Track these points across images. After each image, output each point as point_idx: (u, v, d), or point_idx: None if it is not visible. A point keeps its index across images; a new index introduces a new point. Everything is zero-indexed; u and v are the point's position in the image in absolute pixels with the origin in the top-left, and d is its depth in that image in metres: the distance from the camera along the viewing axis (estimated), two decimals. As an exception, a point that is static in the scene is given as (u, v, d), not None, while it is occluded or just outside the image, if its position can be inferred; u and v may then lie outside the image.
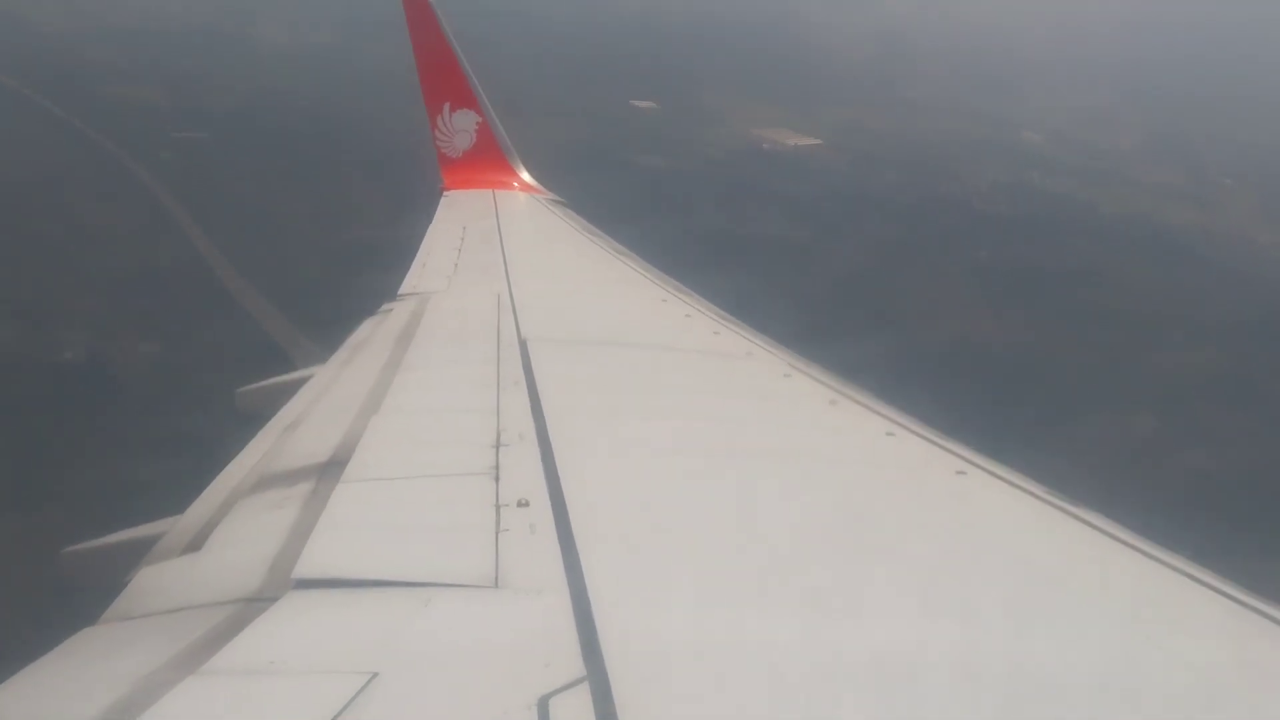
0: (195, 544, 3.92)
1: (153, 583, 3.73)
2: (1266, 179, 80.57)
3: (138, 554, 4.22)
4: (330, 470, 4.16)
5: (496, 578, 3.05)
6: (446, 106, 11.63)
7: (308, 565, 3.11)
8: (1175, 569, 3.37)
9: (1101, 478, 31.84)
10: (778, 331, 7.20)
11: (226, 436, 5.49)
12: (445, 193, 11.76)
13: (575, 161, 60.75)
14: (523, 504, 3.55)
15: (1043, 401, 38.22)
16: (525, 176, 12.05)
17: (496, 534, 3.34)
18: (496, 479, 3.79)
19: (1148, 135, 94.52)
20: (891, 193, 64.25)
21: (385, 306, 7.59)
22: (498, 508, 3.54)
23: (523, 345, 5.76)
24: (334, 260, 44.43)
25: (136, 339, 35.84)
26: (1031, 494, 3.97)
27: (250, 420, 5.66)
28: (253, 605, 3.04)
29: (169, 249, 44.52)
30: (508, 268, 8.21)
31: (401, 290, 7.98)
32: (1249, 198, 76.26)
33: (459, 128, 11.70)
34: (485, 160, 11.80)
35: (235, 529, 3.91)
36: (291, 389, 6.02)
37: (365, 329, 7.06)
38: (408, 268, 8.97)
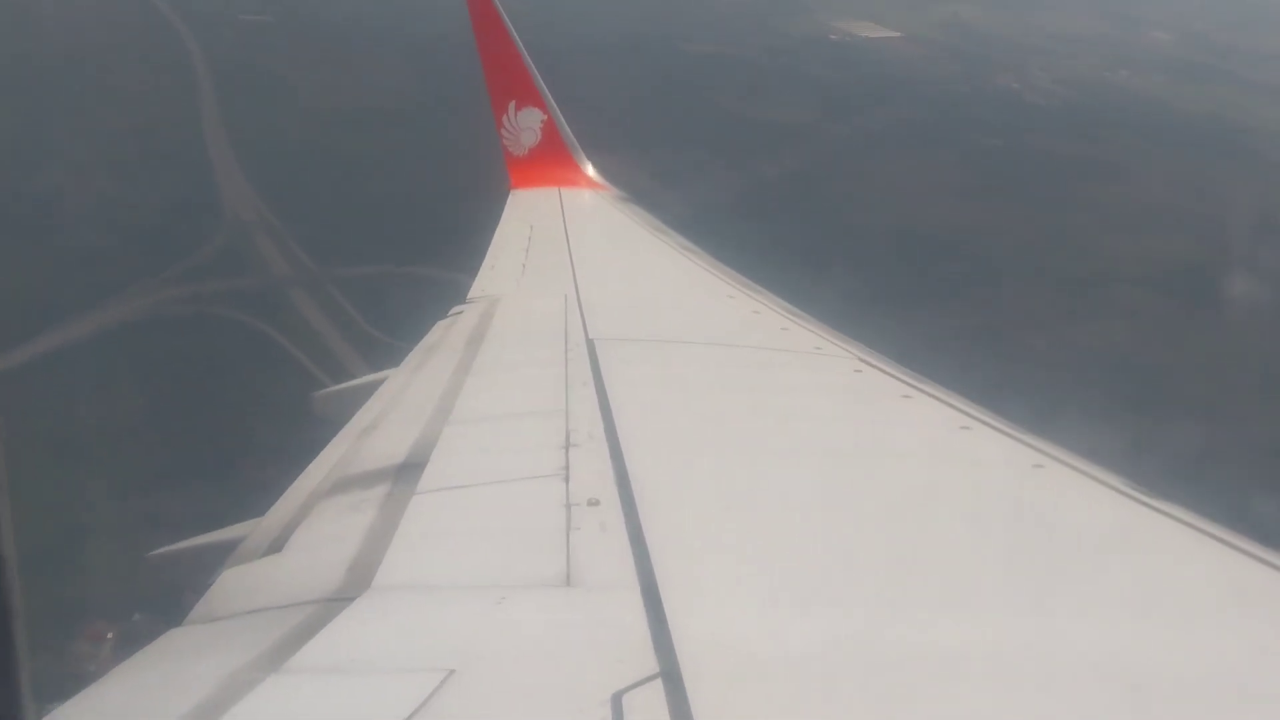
0: (276, 546, 4.00)
1: (236, 584, 3.81)
2: None
3: (220, 556, 4.33)
4: (405, 473, 4.24)
5: (569, 576, 3.09)
6: (512, 105, 11.58)
7: (387, 577, 3.18)
8: (1262, 560, 3.28)
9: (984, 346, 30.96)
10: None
11: (304, 440, 5.63)
12: (512, 191, 11.62)
13: (619, 50, 61.33)
14: (593, 503, 3.58)
15: (967, 276, 37.03)
16: (591, 173, 11.84)
17: (568, 533, 3.36)
18: (567, 479, 3.83)
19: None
20: (937, 83, 61.52)
21: (455, 309, 7.65)
22: (568, 507, 3.57)
23: (590, 345, 5.78)
24: (326, 125, 47.35)
25: (105, 180, 39.73)
26: (1111, 487, 3.92)
27: (326, 424, 5.84)
28: (332, 605, 3.11)
29: (176, 110, 48.46)
30: (574, 268, 8.24)
31: (471, 293, 8.07)
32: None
33: (524, 125, 11.64)
34: (551, 157, 11.65)
35: (315, 531, 3.99)
36: (366, 392, 6.12)
37: (436, 333, 7.18)
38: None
